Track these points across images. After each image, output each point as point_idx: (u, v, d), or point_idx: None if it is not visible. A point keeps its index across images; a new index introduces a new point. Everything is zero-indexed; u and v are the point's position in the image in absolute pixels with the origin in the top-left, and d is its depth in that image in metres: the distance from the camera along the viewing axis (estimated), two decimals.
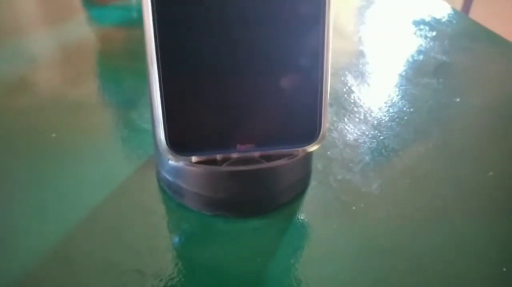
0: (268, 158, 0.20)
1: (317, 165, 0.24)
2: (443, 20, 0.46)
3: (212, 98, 0.19)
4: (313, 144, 0.20)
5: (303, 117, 0.20)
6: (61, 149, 0.25)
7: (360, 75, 0.35)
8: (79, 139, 0.26)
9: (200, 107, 0.19)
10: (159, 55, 0.18)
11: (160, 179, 0.23)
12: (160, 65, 0.18)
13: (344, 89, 0.32)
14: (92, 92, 0.31)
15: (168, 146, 0.19)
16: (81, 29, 0.42)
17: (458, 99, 0.32)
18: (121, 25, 0.42)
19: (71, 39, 0.39)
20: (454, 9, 0.49)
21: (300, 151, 0.20)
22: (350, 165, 0.25)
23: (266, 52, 0.19)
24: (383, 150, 0.26)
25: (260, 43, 0.19)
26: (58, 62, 0.36)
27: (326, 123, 0.20)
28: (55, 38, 0.39)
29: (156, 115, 0.19)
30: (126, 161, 0.25)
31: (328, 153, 0.26)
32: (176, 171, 0.21)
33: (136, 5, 0.46)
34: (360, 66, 0.36)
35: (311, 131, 0.20)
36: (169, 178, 0.22)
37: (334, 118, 0.29)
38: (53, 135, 0.26)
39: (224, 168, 0.20)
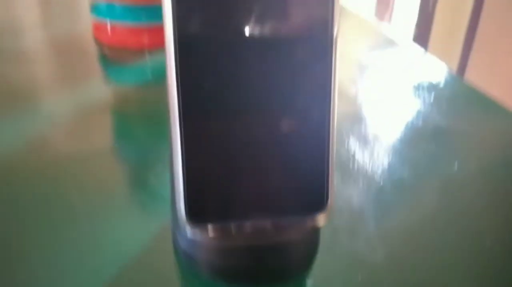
0: (279, 230, 0.22)
1: (324, 234, 0.26)
2: (441, 83, 0.48)
3: (231, 170, 0.21)
4: (322, 213, 0.22)
5: (312, 187, 0.22)
6: (78, 214, 0.27)
7: (363, 140, 0.37)
8: (96, 203, 0.28)
9: (219, 179, 0.21)
10: (183, 135, 0.20)
11: (176, 247, 0.24)
12: (183, 142, 0.20)
13: (348, 155, 0.34)
14: (109, 154, 0.33)
15: (186, 216, 0.21)
16: (99, 89, 0.44)
17: (456, 165, 0.34)
18: (137, 85, 0.45)
19: (88, 99, 0.42)
20: (450, 72, 0.52)
21: (309, 222, 0.22)
22: (355, 233, 0.26)
23: (278, 126, 0.21)
24: (386, 218, 0.28)
25: (273, 116, 0.21)
26: (75, 123, 0.38)
27: (333, 193, 0.22)
28: (73, 99, 0.42)
29: (176, 186, 0.20)
30: (143, 226, 0.26)
31: (335, 220, 0.27)
32: (192, 241, 0.22)
33: (151, 66, 0.49)
34: (362, 130, 0.38)
35: (320, 201, 0.22)
36: (186, 246, 0.23)
37: (340, 185, 0.31)
38: (70, 199, 0.28)
39: (238, 239, 0.21)
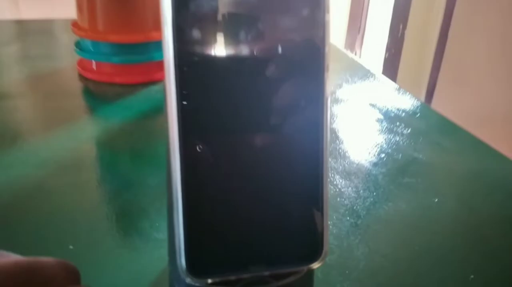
0: (276, 277, 0.23)
1: (317, 274, 0.27)
2: (416, 116, 0.51)
3: (229, 223, 0.22)
4: (318, 261, 0.23)
5: (308, 236, 0.23)
6: (78, 262, 0.27)
7: (347, 176, 0.38)
8: (94, 251, 0.28)
9: (219, 232, 0.22)
10: (184, 190, 0.21)
11: None
12: (184, 199, 0.21)
13: (335, 191, 0.36)
14: (101, 199, 0.34)
15: (187, 271, 0.21)
16: (87, 128, 0.44)
17: (436, 200, 0.36)
18: (125, 122, 0.46)
19: (77, 138, 0.42)
20: (423, 104, 0.55)
21: (305, 268, 0.23)
22: (347, 272, 0.28)
23: (273, 172, 0.22)
24: (375, 255, 0.29)
25: (269, 163, 0.22)
26: (65, 167, 0.38)
27: (328, 241, 0.23)
28: (61, 139, 0.42)
29: (177, 240, 0.21)
30: (142, 272, 0.27)
31: (327, 260, 0.28)
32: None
33: (137, 104, 0.49)
34: (346, 166, 0.40)
35: (315, 249, 0.23)
36: None
37: (330, 223, 0.32)
38: (70, 247, 0.28)
39: None
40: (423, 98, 1.35)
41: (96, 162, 0.40)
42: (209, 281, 0.22)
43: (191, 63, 0.20)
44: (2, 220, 0.30)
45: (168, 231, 0.24)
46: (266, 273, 0.23)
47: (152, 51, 0.52)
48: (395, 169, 0.40)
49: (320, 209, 0.23)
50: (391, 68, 1.55)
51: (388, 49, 1.58)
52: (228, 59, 0.20)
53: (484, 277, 0.28)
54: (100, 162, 0.40)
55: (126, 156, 0.40)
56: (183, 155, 0.21)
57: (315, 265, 0.23)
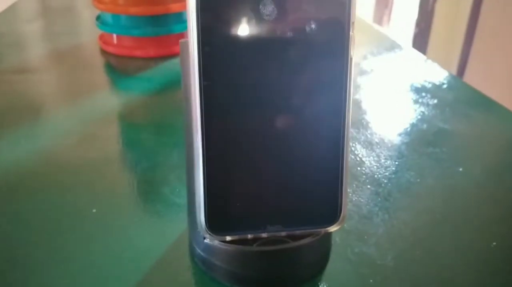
0: (293, 237, 0.23)
1: (335, 238, 0.27)
2: (443, 86, 0.49)
3: (249, 182, 0.22)
4: (336, 224, 0.23)
5: (326, 199, 0.23)
6: (100, 225, 0.28)
7: (369, 146, 0.37)
8: (115, 215, 0.29)
9: (238, 191, 0.22)
10: (204, 146, 0.21)
11: (193, 255, 0.25)
12: (205, 158, 0.21)
13: (356, 161, 0.35)
14: (119, 162, 0.34)
15: (206, 227, 0.22)
16: (109, 101, 0.45)
17: (461, 169, 0.35)
18: (145, 95, 0.46)
19: (99, 111, 0.42)
20: (451, 75, 0.53)
21: (322, 230, 0.23)
22: (365, 237, 0.27)
23: (293, 138, 0.22)
24: (394, 221, 0.29)
25: (289, 130, 0.21)
26: (88, 137, 0.38)
27: (346, 205, 0.23)
28: (84, 112, 0.43)
29: (197, 198, 0.21)
30: (161, 236, 0.27)
31: (345, 225, 0.28)
32: (210, 249, 0.23)
33: (158, 77, 0.50)
34: (368, 136, 0.39)
35: (333, 212, 0.23)
36: (203, 254, 0.24)
37: (349, 191, 0.31)
38: (94, 211, 0.29)
39: (255, 247, 0.22)
40: (454, 74, 1.30)
41: (117, 133, 0.40)
42: (228, 238, 0.22)
43: (214, 42, 0.19)
44: (27, 188, 0.31)
45: (188, 195, 0.24)
46: (283, 233, 0.23)
47: (172, 24, 0.52)
48: (419, 139, 0.39)
49: (340, 173, 0.22)
50: (420, 44, 1.50)
51: (418, 24, 1.53)
52: (251, 36, 0.20)
53: (506, 245, 0.27)
54: (121, 133, 0.40)
55: (146, 127, 0.40)
56: (205, 117, 0.21)
57: (332, 228, 0.23)
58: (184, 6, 0.52)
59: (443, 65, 0.55)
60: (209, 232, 0.21)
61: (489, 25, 1.32)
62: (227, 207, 0.22)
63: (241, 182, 0.22)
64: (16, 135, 0.38)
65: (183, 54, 0.21)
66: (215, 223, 0.21)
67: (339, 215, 0.23)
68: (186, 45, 0.21)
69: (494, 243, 0.27)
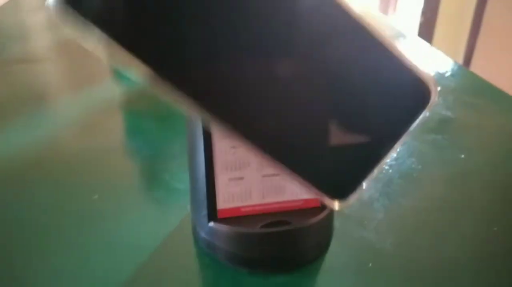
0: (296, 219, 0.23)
1: (335, 223, 0.27)
2: (446, 74, 0.49)
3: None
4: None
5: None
6: (102, 210, 0.28)
7: None
8: (118, 201, 0.29)
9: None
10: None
11: (197, 239, 0.25)
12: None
13: None
14: (122, 150, 0.35)
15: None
16: (111, 90, 0.45)
17: (462, 156, 0.35)
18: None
19: (102, 100, 0.43)
20: (456, 63, 0.52)
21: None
22: (365, 222, 0.27)
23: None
24: (394, 207, 0.29)
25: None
26: (88, 122, 0.39)
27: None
28: (87, 101, 0.43)
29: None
30: (164, 220, 0.27)
31: (345, 211, 0.28)
32: (213, 232, 0.24)
33: None
34: None
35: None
36: (206, 237, 0.24)
37: None
38: (95, 197, 0.29)
39: (258, 229, 0.23)
40: (459, 63, 1.29)
41: (120, 121, 0.40)
42: None
43: None
44: (31, 175, 0.32)
45: (190, 181, 0.25)
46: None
47: None
48: (421, 126, 0.39)
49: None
50: (426, 34, 1.49)
51: (424, 13, 1.51)
52: None
53: (507, 230, 0.27)
54: (123, 122, 0.40)
55: (148, 116, 0.41)
56: None
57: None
58: None
59: (450, 54, 0.54)
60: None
61: (496, 13, 1.30)
62: None
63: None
64: (20, 124, 0.38)
65: None
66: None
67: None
68: None
69: (495, 228, 0.27)
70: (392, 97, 0.19)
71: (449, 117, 0.40)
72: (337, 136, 0.19)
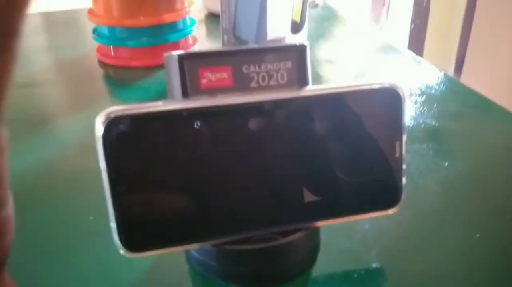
0: (283, 234, 0.24)
1: (322, 235, 0.28)
2: (432, 84, 0.50)
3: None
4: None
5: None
6: (97, 230, 0.29)
7: None
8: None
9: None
10: None
11: (189, 257, 0.26)
12: None
13: None
14: None
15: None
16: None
17: (446, 164, 0.36)
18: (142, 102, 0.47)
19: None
20: (441, 72, 0.54)
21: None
22: (351, 233, 0.28)
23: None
24: (379, 217, 0.30)
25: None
26: (88, 148, 0.40)
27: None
28: (84, 123, 0.44)
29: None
30: None
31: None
32: (204, 250, 0.25)
33: (154, 86, 0.51)
34: None
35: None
36: (197, 255, 0.25)
37: None
38: (91, 218, 0.30)
39: (247, 246, 0.24)
40: (452, 71, 1.30)
41: None
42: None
43: None
44: (28, 197, 0.33)
45: None
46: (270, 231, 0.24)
47: (166, 34, 0.53)
48: (407, 136, 0.40)
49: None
50: (417, 41, 1.51)
51: (413, 20, 1.53)
52: None
53: (489, 237, 0.28)
54: None
55: None
56: None
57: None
58: (178, 16, 0.54)
59: (440, 62, 0.56)
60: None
61: (485, 19, 1.32)
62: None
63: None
64: (19, 147, 0.39)
65: (167, 67, 0.23)
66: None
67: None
68: (169, 58, 0.22)
69: (478, 235, 0.28)
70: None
71: (434, 127, 0.42)
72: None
